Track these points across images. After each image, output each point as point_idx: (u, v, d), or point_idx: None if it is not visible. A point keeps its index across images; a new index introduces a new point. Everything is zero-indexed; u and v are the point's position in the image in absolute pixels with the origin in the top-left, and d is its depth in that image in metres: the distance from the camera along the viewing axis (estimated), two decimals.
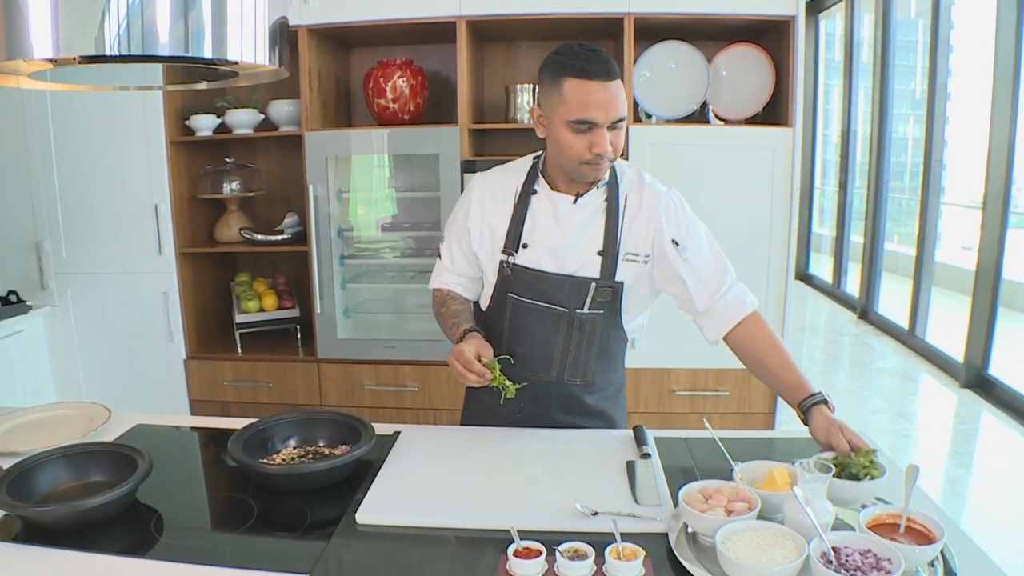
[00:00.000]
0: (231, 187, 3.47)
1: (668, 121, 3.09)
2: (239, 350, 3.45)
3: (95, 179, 3.29)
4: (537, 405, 1.80)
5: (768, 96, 3.04)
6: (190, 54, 1.19)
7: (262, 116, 3.34)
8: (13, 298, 3.35)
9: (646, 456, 1.57)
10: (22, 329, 3.35)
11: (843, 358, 6.45)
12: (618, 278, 1.75)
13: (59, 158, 3.29)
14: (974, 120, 6.18)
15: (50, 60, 1.16)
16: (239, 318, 3.47)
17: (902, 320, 6.62)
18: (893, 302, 7.28)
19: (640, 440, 1.64)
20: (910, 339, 6.39)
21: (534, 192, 1.77)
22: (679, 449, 1.68)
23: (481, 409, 1.91)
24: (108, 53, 1.13)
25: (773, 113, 3.06)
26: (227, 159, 3.48)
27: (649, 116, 3.09)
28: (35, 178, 3.33)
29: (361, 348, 3.28)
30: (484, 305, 1.88)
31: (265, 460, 1.60)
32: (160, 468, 1.53)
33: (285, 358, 3.36)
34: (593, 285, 1.73)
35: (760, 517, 1.27)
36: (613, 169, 1.77)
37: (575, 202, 1.74)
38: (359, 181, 3.43)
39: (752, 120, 3.10)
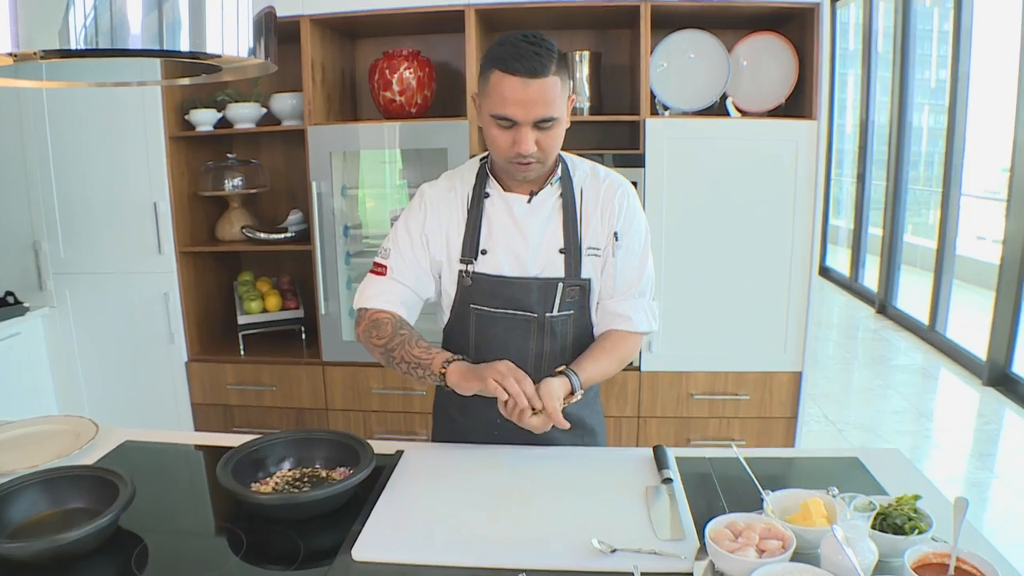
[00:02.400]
0: (233, 184, 3.36)
1: (685, 114, 2.96)
2: (242, 352, 3.35)
3: (93, 176, 3.19)
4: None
5: (791, 87, 2.90)
6: (165, 47, 1.08)
7: (264, 110, 3.22)
8: (11, 299, 3.26)
9: (667, 481, 1.45)
10: (19, 332, 3.27)
11: (861, 354, 6.31)
12: (584, 275, 1.67)
13: (56, 155, 3.19)
14: (987, 109, 6.02)
15: (10, 55, 1.05)
16: (242, 319, 3.37)
17: (921, 315, 6.47)
18: (911, 296, 7.13)
19: (660, 462, 1.51)
20: (930, 335, 6.24)
21: (486, 195, 1.68)
22: (702, 471, 1.55)
23: (451, 427, 1.80)
24: (73, 47, 1.02)
25: (796, 105, 2.92)
26: (228, 155, 3.37)
27: (666, 108, 2.96)
28: (32, 176, 3.23)
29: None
30: (444, 320, 1.78)
31: (257, 483, 1.49)
32: (146, 492, 1.43)
33: (289, 360, 3.25)
34: (560, 285, 1.66)
35: (795, 556, 1.16)
36: (564, 164, 1.70)
37: (529, 201, 1.66)
38: (365, 177, 3.32)
39: (774, 113, 2.96)
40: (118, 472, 1.43)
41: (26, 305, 3.28)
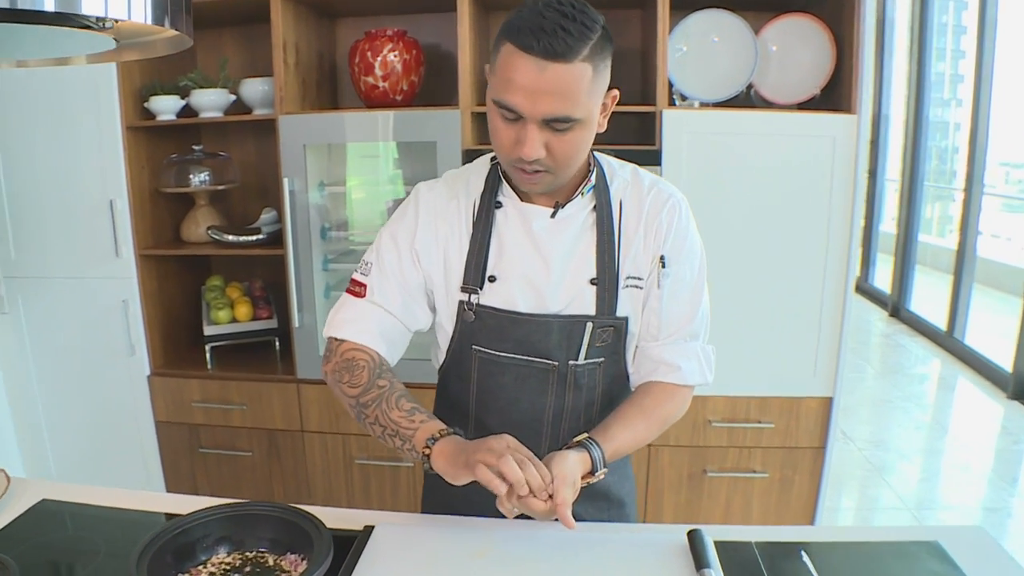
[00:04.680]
0: (199, 179, 3.02)
1: (707, 105, 2.62)
2: (209, 366, 3.01)
3: (43, 171, 2.84)
4: None
5: (827, 77, 2.56)
6: (19, 6, 0.76)
7: (233, 97, 2.87)
8: None
9: None
10: None
11: (876, 362, 5.99)
12: (620, 313, 1.31)
13: (4, 149, 2.85)
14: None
15: None
16: (208, 329, 3.03)
17: (938, 320, 6.16)
18: (925, 298, 6.83)
19: (699, 557, 1.16)
20: (948, 341, 5.93)
21: (498, 205, 1.32)
22: (748, 561, 1.21)
23: (448, 496, 1.40)
24: None
25: (832, 97, 2.58)
26: (194, 147, 3.02)
27: (684, 98, 2.63)
28: None
29: None
30: (440, 360, 1.42)
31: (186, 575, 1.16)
32: None
33: (260, 376, 2.91)
34: (589, 326, 1.30)
35: None
36: (600, 167, 1.33)
37: (554, 215, 1.29)
38: (344, 172, 2.97)
39: (806, 105, 2.62)
40: (5, 561, 1.11)
41: None
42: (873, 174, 7.82)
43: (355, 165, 2.98)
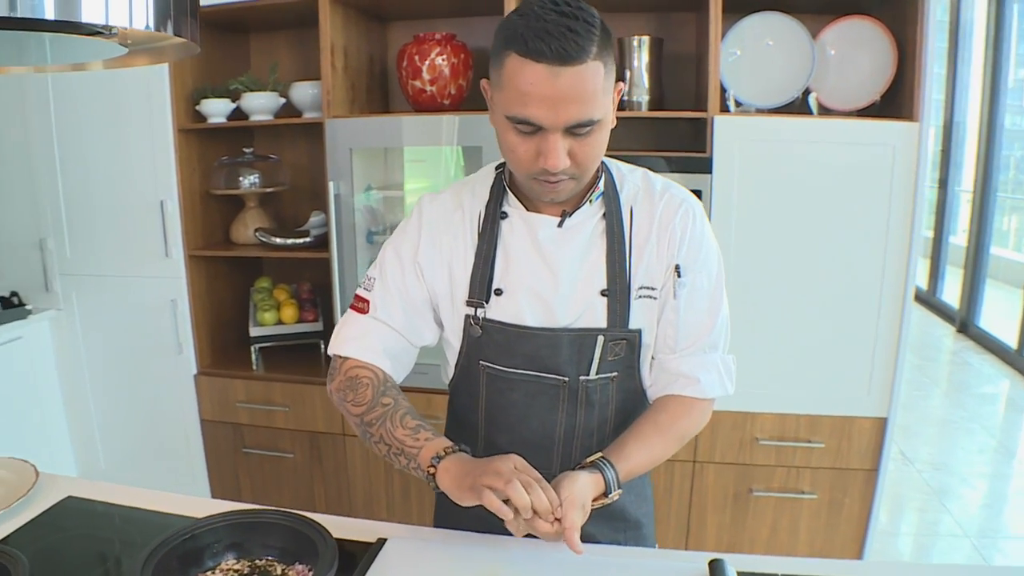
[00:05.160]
0: (249, 181, 3.05)
1: (760, 111, 2.53)
2: (254, 367, 3.04)
3: (97, 171, 2.92)
4: None
5: (888, 82, 2.45)
6: (18, 14, 0.75)
7: (283, 100, 2.89)
8: (15, 300, 3.02)
9: None
10: (21, 335, 3.02)
11: (941, 380, 5.76)
12: (633, 325, 1.25)
13: (61, 148, 2.93)
14: None
15: None
16: (254, 331, 3.06)
17: (1009, 337, 5.90)
18: (996, 314, 6.55)
19: None
20: (1018, 360, 5.68)
21: (503, 215, 1.27)
22: None
23: (459, 510, 1.32)
24: None
25: (893, 103, 2.47)
26: (245, 149, 3.05)
27: (738, 104, 2.54)
28: (37, 170, 2.98)
29: None
30: (448, 375, 1.38)
31: None
32: None
33: (303, 379, 2.91)
34: (601, 339, 1.24)
35: None
36: (609, 173, 1.27)
37: (560, 225, 1.23)
38: (391, 177, 2.97)
39: (866, 112, 2.52)
40: (15, 555, 1.11)
41: (28, 308, 3.04)
42: (944, 184, 7.55)
43: (402, 169, 2.97)
